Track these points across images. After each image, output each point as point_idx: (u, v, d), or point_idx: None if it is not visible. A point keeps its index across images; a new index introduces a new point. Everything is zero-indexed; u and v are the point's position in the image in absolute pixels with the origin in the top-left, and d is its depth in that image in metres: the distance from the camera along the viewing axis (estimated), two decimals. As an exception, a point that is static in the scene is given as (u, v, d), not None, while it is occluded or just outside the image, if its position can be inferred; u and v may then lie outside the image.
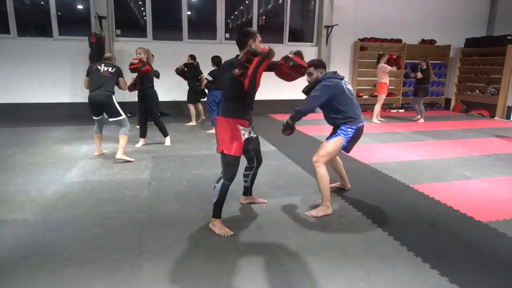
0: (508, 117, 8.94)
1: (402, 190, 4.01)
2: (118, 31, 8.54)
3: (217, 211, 2.99)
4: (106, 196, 3.70)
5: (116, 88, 4.96)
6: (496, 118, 9.14)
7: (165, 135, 5.98)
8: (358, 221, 3.20)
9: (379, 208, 3.49)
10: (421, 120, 8.39)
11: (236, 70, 2.67)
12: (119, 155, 4.87)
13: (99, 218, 3.19)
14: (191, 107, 7.69)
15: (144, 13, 8.65)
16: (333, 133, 3.41)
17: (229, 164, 2.87)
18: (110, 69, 4.86)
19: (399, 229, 3.06)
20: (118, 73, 4.95)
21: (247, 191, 3.52)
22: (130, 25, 8.85)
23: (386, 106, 10.15)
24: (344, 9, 9.50)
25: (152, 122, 5.89)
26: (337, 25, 9.20)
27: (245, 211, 3.41)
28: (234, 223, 3.13)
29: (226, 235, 2.90)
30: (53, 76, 8.16)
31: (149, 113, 5.79)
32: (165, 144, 5.94)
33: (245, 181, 3.45)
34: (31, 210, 3.33)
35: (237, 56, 2.90)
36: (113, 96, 4.85)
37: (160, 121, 5.86)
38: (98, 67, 4.86)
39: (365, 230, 3.05)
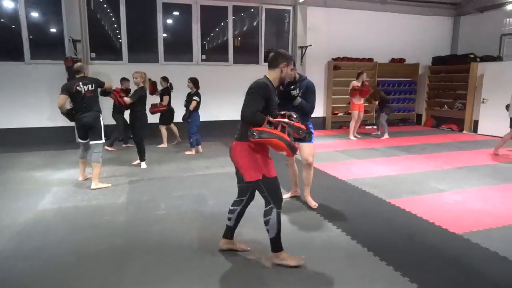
0: (475, 131, 9.35)
1: (379, 205, 4.09)
2: (93, 54, 8.47)
3: (279, 243, 2.69)
4: (81, 223, 3.58)
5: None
6: (464, 131, 9.54)
7: (143, 159, 5.91)
8: (338, 238, 3.23)
9: (358, 224, 3.54)
10: (386, 136, 8.51)
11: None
12: (94, 185, 4.69)
13: (75, 246, 3.08)
14: (163, 129, 7.62)
15: (119, 36, 8.64)
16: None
17: (275, 187, 2.60)
18: (90, 87, 4.67)
19: (378, 244, 3.11)
20: (98, 85, 4.82)
21: (229, 233, 2.95)
22: (105, 47, 8.79)
23: (361, 123, 10.41)
24: (317, 30, 9.82)
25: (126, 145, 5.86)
26: (310, 45, 9.48)
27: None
28: (211, 249, 3.09)
29: (301, 262, 2.72)
30: (26, 100, 7.94)
31: (135, 135, 5.83)
32: (142, 167, 5.84)
33: (229, 219, 2.91)
34: (3, 239, 3.19)
35: (265, 76, 2.71)
36: (100, 116, 4.77)
37: (143, 144, 5.88)
38: (78, 88, 4.61)
39: (345, 246, 3.07)
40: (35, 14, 8.10)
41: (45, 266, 2.74)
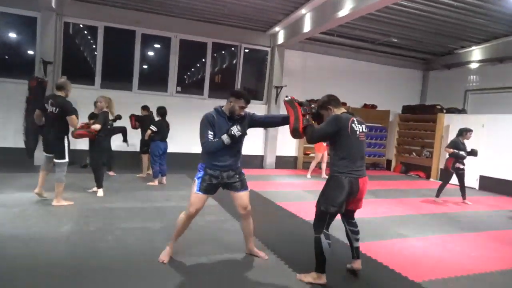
0: (441, 179, 9.50)
1: (341, 248, 3.92)
2: (64, 77, 8.23)
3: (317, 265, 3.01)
4: (11, 253, 3.22)
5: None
6: (431, 179, 9.70)
7: (100, 186, 5.59)
8: (293, 281, 3.02)
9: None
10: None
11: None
12: (56, 202, 4.70)
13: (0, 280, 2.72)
14: (144, 158, 7.33)
15: (94, 61, 8.52)
16: None
17: None
18: (54, 109, 4.55)
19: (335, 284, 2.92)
20: (65, 112, 4.58)
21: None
22: (77, 71, 8.62)
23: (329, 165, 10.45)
24: (293, 72, 10.06)
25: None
26: (285, 85, 9.65)
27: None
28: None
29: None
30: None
31: (93, 160, 5.64)
32: (98, 195, 5.50)
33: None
34: None
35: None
36: (65, 138, 4.68)
37: (101, 170, 5.70)
38: (46, 105, 4.61)
39: (297, 291, 2.86)
40: (9, 34, 7.96)
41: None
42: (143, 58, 9.02)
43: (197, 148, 8.88)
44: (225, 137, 2.98)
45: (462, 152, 6.39)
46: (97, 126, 5.39)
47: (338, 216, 3.08)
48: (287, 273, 3.19)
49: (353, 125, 2.92)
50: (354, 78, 10.72)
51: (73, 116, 4.66)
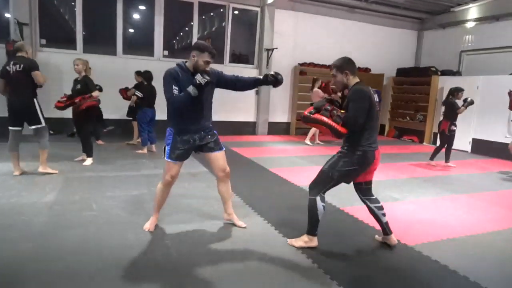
0: (434, 143, 9.47)
1: (332, 213, 3.85)
2: (43, 41, 7.82)
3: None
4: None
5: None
6: (424, 143, 9.67)
7: (90, 155, 5.42)
8: (283, 247, 2.95)
9: (304, 228, 3.27)
10: None
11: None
12: (42, 169, 4.52)
13: None
14: (135, 125, 7.05)
15: (75, 23, 8.04)
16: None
17: None
18: (17, 67, 4.18)
19: (325, 255, 2.85)
20: (29, 69, 4.24)
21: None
22: (57, 35, 8.16)
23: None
24: (284, 34, 9.67)
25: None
26: (276, 48, 9.30)
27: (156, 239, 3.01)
28: (134, 257, 2.71)
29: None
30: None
31: (82, 128, 5.47)
32: (85, 163, 5.34)
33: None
34: None
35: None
36: (34, 100, 4.32)
37: (90, 138, 5.53)
38: (7, 67, 4.23)
39: (288, 256, 2.79)
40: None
41: None
42: (126, 20, 8.55)
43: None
44: (191, 88, 2.70)
45: (471, 99, 6.15)
46: (96, 93, 5.26)
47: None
48: (278, 239, 3.12)
49: (372, 96, 2.75)
50: (347, 40, 10.36)
51: (38, 72, 4.28)
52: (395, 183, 5.23)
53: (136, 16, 9.01)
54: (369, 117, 2.72)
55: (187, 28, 9.38)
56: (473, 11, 9.71)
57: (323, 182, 2.83)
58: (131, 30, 8.89)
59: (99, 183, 4.43)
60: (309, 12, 9.89)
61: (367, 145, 2.75)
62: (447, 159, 6.58)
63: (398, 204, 4.25)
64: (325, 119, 2.70)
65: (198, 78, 2.68)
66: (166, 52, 8.87)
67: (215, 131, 3.11)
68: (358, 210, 3.86)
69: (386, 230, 3.04)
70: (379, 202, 3.04)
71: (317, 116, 2.74)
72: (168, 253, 2.76)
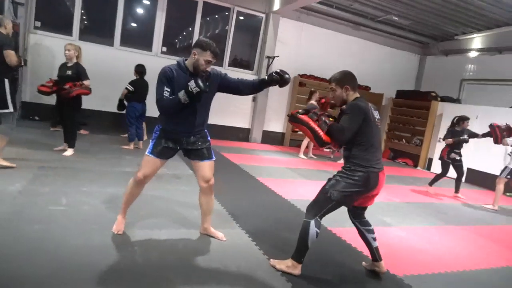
0: (428, 168, 9.34)
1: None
2: (38, 23, 7.55)
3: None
4: None
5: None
6: (418, 168, 9.50)
7: (72, 145, 5.13)
8: (261, 265, 2.69)
9: (288, 248, 3.03)
10: (341, 161, 8.33)
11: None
12: None
13: None
14: None
15: (72, 8, 7.77)
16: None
17: None
18: None
19: (307, 280, 2.60)
20: (1, 46, 3.78)
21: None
22: (53, 18, 7.88)
23: (319, 144, 10.14)
24: (287, 43, 9.51)
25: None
26: (278, 56, 9.13)
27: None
28: (95, 260, 2.44)
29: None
30: None
31: (69, 117, 5.14)
32: (65, 154, 5.05)
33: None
34: None
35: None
36: (5, 81, 3.83)
37: (76, 128, 5.30)
38: None
39: (266, 278, 2.53)
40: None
41: None
42: (127, 11, 8.31)
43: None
44: (181, 94, 2.46)
45: (464, 136, 5.93)
46: (88, 82, 5.04)
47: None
48: (257, 256, 2.86)
49: (371, 111, 2.52)
50: (349, 56, 10.23)
51: (11, 51, 3.82)
52: (388, 206, 5.00)
53: (138, 9, 8.79)
54: (365, 133, 2.49)
55: (190, 28, 9.16)
56: (476, 41, 9.67)
57: (321, 204, 2.55)
58: (131, 22, 8.66)
59: (75, 176, 4.14)
60: (314, 24, 9.76)
61: (369, 165, 2.50)
62: (456, 189, 6.40)
63: (389, 230, 4.02)
64: (310, 122, 2.53)
65: (191, 85, 2.42)
66: (164, 49, 8.65)
67: (208, 138, 2.85)
68: (348, 232, 3.62)
69: (375, 255, 2.79)
70: (370, 225, 2.81)
71: (303, 117, 2.56)
72: (133, 260, 2.49)
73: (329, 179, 2.61)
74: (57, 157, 4.85)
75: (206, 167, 2.80)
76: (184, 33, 9.48)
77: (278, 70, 2.64)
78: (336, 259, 3.07)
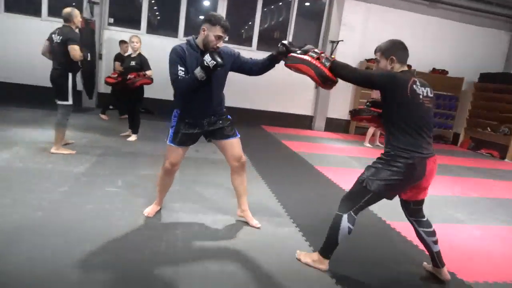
0: (518, 161, 8.15)
1: (376, 225, 3.30)
2: (111, 20, 8.10)
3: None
4: (15, 186, 3.08)
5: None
6: (506, 160, 8.33)
7: (135, 132, 5.43)
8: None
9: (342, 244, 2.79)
10: None
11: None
12: (55, 149, 4.16)
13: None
14: None
15: (141, 3, 8.19)
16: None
17: None
18: (58, 38, 4.02)
19: (357, 275, 2.36)
20: (66, 40, 3.97)
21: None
22: (124, 14, 8.39)
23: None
24: (353, 26, 8.94)
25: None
26: (342, 40, 8.63)
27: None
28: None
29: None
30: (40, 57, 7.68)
31: (132, 104, 5.43)
32: (129, 139, 5.36)
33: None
34: None
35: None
36: (69, 74, 4.08)
37: (139, 115, 5.51)
38: (53, 35, 4.08)
39: (308, 273, 2.35)
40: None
41: None
42: (190, 3, 8.50)
43: (240, 102, 7.98)
44: (197, 71, 2.34)
45: None
46: (151, 72, 5.30)
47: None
48: (305, 249, 2.67)
49: (414, 86, 2.11)
50: (423, 37, 9.28)
51: (75, 46, 3.99)
52: (462, 201, 4.42)
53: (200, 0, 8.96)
54: (404, 112, 2.11)
55: (251, 17, 9.08)
56: None
57: (357, 195, 2.24)
58: (194, 14, 8.85)
59: (135, 160, 4.34)
60: (383, 4, 9.02)
61: (414, 150, 2.12)
62: None
63: (461, 228, 3.52)
64: (310, 59, 2.25)
65: (207, 59, 2.31)
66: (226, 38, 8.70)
67: (229, 116, 2.73)
68: (405, 226, 3.24)
69: (437, 261, 2.40)
70: (431, 227, 2.40)
71: (302, 56, 2.29)
72: (174, 244, 2.48)
73: (368, 167, 2.26)
74: (121, 142, 5.14)
75: (234, 144, 2.69)
76: (245, 22, 9.43)
77: (284, 41, 2.43)
78: (393, 258, 2.74)
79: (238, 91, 8.38)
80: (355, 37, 8.99)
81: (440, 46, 9.50)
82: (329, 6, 8.87)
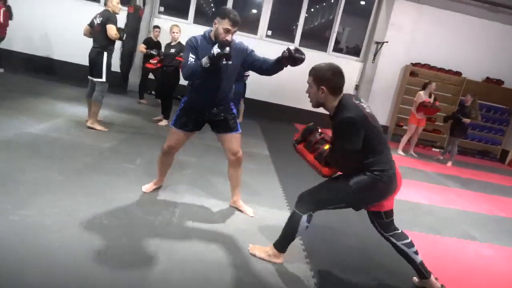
0: None
1: (370, 237, 3.25)
2: (162, 8, 8.53)
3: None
4: (46, 152, 3.46)
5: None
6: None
7: (167, 117, 5.73)
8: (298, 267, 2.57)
9: (348, 252, 2.83)
10: (449, 163, 7.18)
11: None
12: (90, 124, 4.54)
13: (10, 171, 2.92)
14: None
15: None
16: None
17: None
18: (99, 20, 4.42)
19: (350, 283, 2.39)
20: (105, 21, 4.37)
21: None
22: (175, 4, 8.79)
23: (428, 143, 9.04)
24: (401, 27, 8.60)
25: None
26: (387, 42, 8.35)
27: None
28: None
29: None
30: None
31: (164, 90, 5.74)
32: (160, 123, 5.67)
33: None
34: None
35: None
36: (104, 53, 4.45)
37: (171, 101, 5.78)
38: (94, 19, 4.49)
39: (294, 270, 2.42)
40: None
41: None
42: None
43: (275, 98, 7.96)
44: (204, 59, 2.47)
45: None
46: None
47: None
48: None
49: (367, 110, 2.10)
50: (478, 43, 8.71)
51: (112, 26, 4.37)
52: (482, 219, 4.17)
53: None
54: (372, 138, 2.07)
55: (293, 9, 9.07)
56: None
57: (331, 200, 2.22)
58: (239, 9, 9.03)
59: (159, 143, 4.55)
60: (437, 6, 8.57)
61: (383, 170, 2.10)
62: None
63: (471, 245, 3.36)
64: (307, 155, 2.26)
65: (214, 49, 2.42)
66: (269, 32, 8.79)
67: (233, 110, 2.85)
68: (416, 237, 3.17)
69: (423, 272, 2.32)
70: (407, 238, 2.32)
71: (300, 148, 2.31)
72: (154, 217, 2.67)
73: (349, 175, 2.16)
74: (151, 126, 5.47)
75: (233, 139, 2.81)
76: (291, 18, 9.44)
77: (291, 47, 2.44)
78: (387, 271, 2.72)
79: (274, 88, 8.48)
80: (402, 39, 8.66)
81: (497, 53, 8.85)
82: (377, 5, 8.61)
